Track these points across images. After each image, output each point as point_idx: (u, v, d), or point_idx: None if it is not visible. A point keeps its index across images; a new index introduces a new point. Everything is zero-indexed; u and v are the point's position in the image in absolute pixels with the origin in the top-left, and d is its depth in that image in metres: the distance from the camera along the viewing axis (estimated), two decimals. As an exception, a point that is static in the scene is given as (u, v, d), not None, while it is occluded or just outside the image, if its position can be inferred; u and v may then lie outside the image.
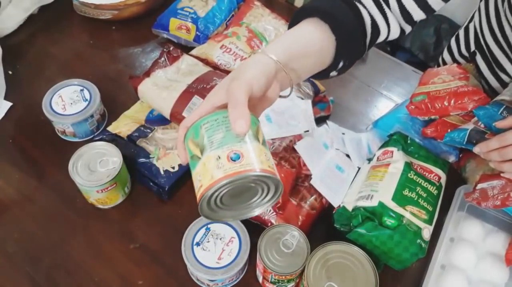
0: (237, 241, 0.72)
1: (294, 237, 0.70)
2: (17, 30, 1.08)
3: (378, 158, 0.82)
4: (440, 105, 0.82)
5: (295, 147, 0.82)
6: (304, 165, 0.81)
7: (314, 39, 0.60)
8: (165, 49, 0.95)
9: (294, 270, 0.68)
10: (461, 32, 1.00)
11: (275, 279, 0.69)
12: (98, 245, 0.79)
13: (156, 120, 0.89)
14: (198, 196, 0.48)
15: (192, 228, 0.73)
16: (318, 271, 0.67)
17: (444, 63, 1.05)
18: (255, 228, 0.75)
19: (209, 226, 0.74)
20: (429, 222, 0.73)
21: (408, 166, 0.77)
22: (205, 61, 0.99)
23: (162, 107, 0.87)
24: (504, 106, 0.75)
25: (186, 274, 0.75)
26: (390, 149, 0.81)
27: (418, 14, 0.67)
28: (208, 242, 0.72)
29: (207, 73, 0.91)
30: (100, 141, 0.82)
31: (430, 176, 0.78)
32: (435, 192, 0.76)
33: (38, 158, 0.89)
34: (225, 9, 1.09)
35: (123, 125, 0.88)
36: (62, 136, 0.91)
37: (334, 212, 0.78)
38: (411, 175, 0.76)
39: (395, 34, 0.69)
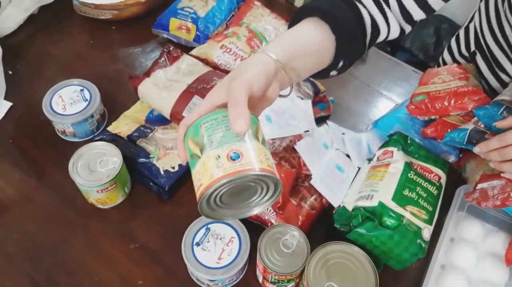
0: (237, 241, 0.72)
1: (294, 237, 0.70)
2: (17, 30, 1.08)
3: (378, 158, 0.82)
4: (440, 105, 0.82)
5: (295, 147, 0.82)
6: (304, 165, 0.81)
7: (314, 39, 0.60)
8: (165, 49, 0.95)
9: (294, 270, 0.68)
10: (461, 32, 1.00)
11: (275, 279, 0.69)
12: (98, 245, 0.79)
13: (156, 120, 0.89)
14: (197, 195, 0.48)
15: (192, 228, 0.73)
16: (318, 271, 0.67)
17: (444, 63, 1.05)
18: (255, 228, 0.75)
19: (209, 226, 0.74)
20: (429, 222, 0.73)
21: (408, 166, 0.77)
22: (205, 61, 0.99)
23: (162, 107, 0.87)
24: (504, 106, 0.75)
25: (186, 274, 0.75)
26: (390, 149, 0.81)
27: (418, 14, 0.67)
28: (208, 242, 0.72)
29: (207, 73, 0.91)
30: (100, 141, 0.82)
31: (430, 176, 0.78)
32: (435, 192, 0.76)
33: (38, 158, 0.89)
34: (225, 9, 1.09)
35: (123, 125, 0.88)
36: (62, 136, 0.91)
37: (334, 212, 0.78)
38: (411, 175, 0.76)
39: (395, 34, 0.69)
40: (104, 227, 0.81)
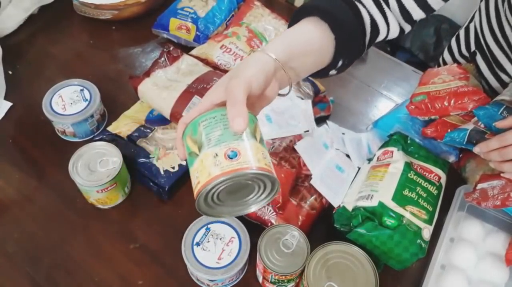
0: (237, 241, 0.72)
1: (294, 237, 0.70)
2: (17, 30, 1.08)
3: (378, 158, 0.82)
4: (440, 105, 0.82)
5: (295, 147, 0.82)
6: (304, 165, 0.81)
7: (313, 38, 0.60)
8: (165, 49, 0.95)
9: (294, 270, 0.68)
10: (462, 32, 1.00)
11: (275, 279, 0.69)
12: (98, 245, 0.79)
13: (156, 120, 0.89)
14: (195, 192, 0.48)
15: (192, 228, 0.73)
16: (318, 271, 0.67)
17: (445, 63, 1.05)
18: (255, 228, 0.75)
19: (209, 226, 0.74)
20: (429, 222, 0.73)
21: (408, 166, 0.77)
22: (205, 61, 0.99)
23: (162, 107, 0.87)
24: (504, 106, 0.75)
25: (186, 274, 0.75)
26: (390, 149, 0.81)
27: (417, 14, 0.67)
28: (208, 242, 0.72)
29: (207, 73, 0.91)
30: (100, 141, 0.82)
31: (430, 176, 0.78)
32: (435, 192, 0.76)
33: (38, 158, 0.89)
34: (225, 9, 1.09)
35: (123, 125, 0.88)
36: (62, 136, 0.91)
37: (334, 212, 0.78)
38: (411, 175, 0.76)
39: (394, 33, 0.69)
40: (104, 227, 0.81)
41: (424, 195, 0.74)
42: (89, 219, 0.81)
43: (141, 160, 0.83)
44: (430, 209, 0.74)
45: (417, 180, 0.76)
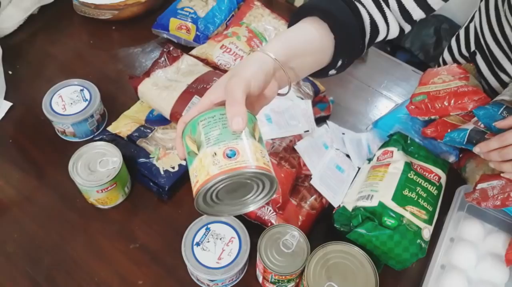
0: (237, 241, 0.72)
1: (294, 237, 0.70)
2: (17, 30, 1.08)
3: (378, 158, 0.82)
4: (440, 105, 0.82)
5: (295, 147, 0.82)
6: (304, 165, 0.81)
7: (313, 38, 0.60)
8: (165, 49, 0.95)
9: (294, 270, 0.68)
10: (462, 32, 1.00)
11: (275, 279, 0.69)
12: (98, 245, 0.79)
13: (156, 120, 0.89)
14: (194, 191, 0.48)
15: (192, 228, 0.73)
16: (318, 271, 0.67)
17: (445, 63, 1.05)
18: (255, 228, 0.75)
19: (209, 226, 0.74)
20: (429, 222, 0.73)
21: (408, 166, 0.77)
22: (205, 61, 0.99)
23: (162, 107, 0.87)
24: (504, 106, 0.75)
25: (186, 274, 0.75)
26: (390, 149, 0.81)
27: (417, 13, 0.67)
28: (208, 242, 0.72)
29: (207, 73, 0.91)
30: (100, 141, 0.82)
31: (430, 176, 0.78)
32: (435, 192, 0.76)
33: (38, 158, 0.89)
34: (225, 9, 1.09)
35: (123, 125, 0.88)
36: (62, 136, 0.91)
37: (334, 212, 0.78)
38: (411, 175, 0.76)
39: (394, 33, 0.69)
40: (104, 227, 0.81)
41: (424, 195, 0.75)
42: (89, 219, 0.81)
43: (141, 160, 0.83)
44: (430, 209, 0.74)
45: (417, 180, 0.76)
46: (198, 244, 0.72)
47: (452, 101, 0.81)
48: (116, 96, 0.96)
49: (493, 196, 0.71)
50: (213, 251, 0.71)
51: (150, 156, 0.84)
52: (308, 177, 0.81)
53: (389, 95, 1.04)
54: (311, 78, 0.95)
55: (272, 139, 0.82)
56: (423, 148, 0.82)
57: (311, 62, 0.62)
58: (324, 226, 0.80)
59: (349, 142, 0.87)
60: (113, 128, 0.88)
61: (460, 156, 0.83)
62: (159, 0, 1.14)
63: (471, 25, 0.96)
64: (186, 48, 1.03)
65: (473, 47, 0.95)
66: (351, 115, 0.99)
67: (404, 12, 0.67)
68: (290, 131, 0.83)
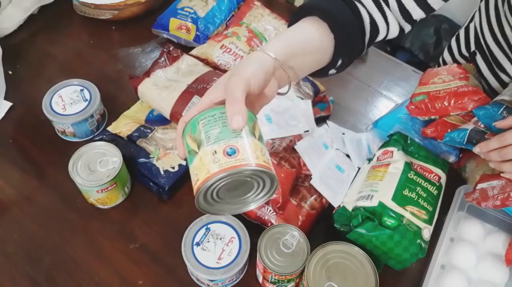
0: (237, 241, 0.72)
1: (294, 237, 0.70)
2: (17, 30, 1.08)
3: (378, 158, 0.82)
4: (440, 105, 0.82)
5: (295, 147, 0.82)
6: (304, 165, 0.81)
7: (313, 38, 0.60)
8: (165, 49, 0.95)
9: (294, 270, 0.68)
10: (462, 32, 1.00)
11: (275, 279, 0.69)
12: (98, 245, 0.79)
13: (156, 120, 0.89)
14: (194, 189, 0.49)
15: (192, 228, 0.73)
16: (318, 271, 0.67)
17: (445, 63, 1.05)
18: (255, 228, 0.75)
19: (209, 226, 0.74)
20: (429, 222, 0.73)
21: (408, 166, 0.77)
22: (205, 61, 0.99)
23: (162, 107, 0.87)
24: (504, 106, 0.75)
25: (186, 274, 0.75)
26: (390, 149, 0.81)
27: (417, 13, 0.67)
28: (208, 242, 0.72)
29: (207, 73, 0.91)
30: (100, 141, 0.82)
31: (430, 176, 0.78)
32: (435, 192, 0.76)
33: (38, 158, 0.89)
34: (225, 9, 1.09)
35: (123, 125, 0.88)
36: (62, 136, 0.91)
37: (334, 212, 0.78)
38: (411, 175, 0.76)
39: (394, 33, 0.69)
40: (104, 227, 0.81)
41: (424, 195, 0.75)
42: (89, 219, 0.81)
43: (141, 160, 0.83)
44: (430, 209, 0.74)
45: (417, 180, 0.76)
46: (198, 244, 0.72)
47: (452, 101, 0.81)
48: (116, 96, 0.96)
49: (493, 196, 0.71)
50: (213, 251, 0.71)
51: (150, 156, 0.84)
52: (308, 177, 0.81)
53: (389, 95, 1.04)
54: (311, 78, 0.95)
55: (272, 139, 0.82)
56: (423, 148, 0.82)
57: (311, 61, 0.62)
58: (324, 226, 0.80)
59: (349, 142, 0.87)
60: (113, 128, 0.88)
61: (460, 156, 0.83)
62: (159, 0, 1.14)
63: (471, 25, 0.96)
64: (186, 48, 1.03)
65: (473, 47, 0.95)
66: (351, 115, 0.99)
67: (404, 12, 0.67)
68: (290, 131, 0.83)
